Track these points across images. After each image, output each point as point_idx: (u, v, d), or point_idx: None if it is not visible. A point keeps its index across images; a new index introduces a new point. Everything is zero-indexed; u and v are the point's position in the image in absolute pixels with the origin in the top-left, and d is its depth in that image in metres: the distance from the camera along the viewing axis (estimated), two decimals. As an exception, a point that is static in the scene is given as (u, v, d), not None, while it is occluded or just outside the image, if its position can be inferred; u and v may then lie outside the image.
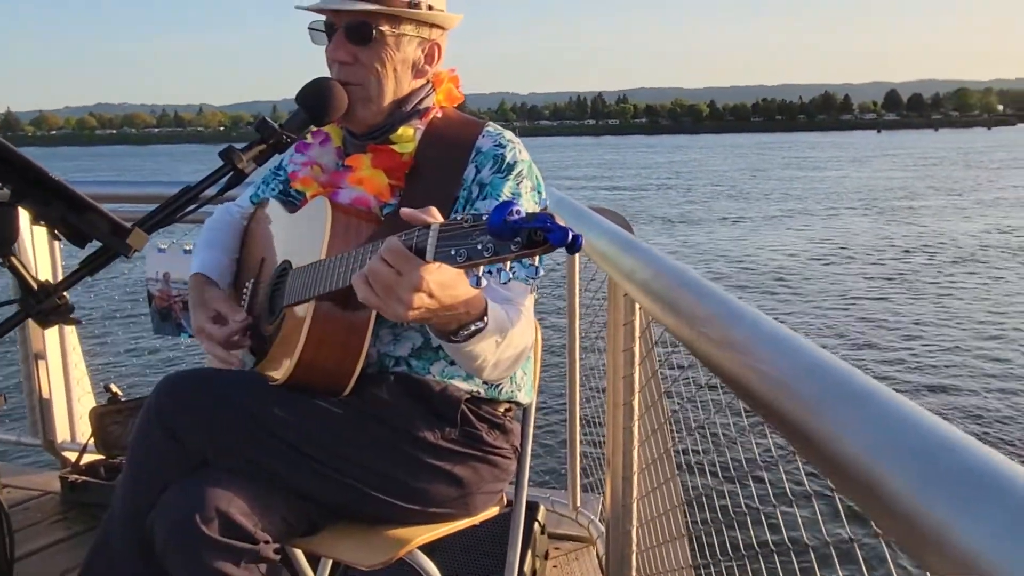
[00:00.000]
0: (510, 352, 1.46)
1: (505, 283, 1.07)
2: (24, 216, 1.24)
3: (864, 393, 0.68)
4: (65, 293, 1.27)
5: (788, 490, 1.25)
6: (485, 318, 1.32)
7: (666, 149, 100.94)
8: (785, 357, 0.81)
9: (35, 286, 1.23)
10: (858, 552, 0.96)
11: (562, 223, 1.00)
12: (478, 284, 1.08)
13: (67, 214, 1.22)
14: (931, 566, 0.53)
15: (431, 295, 1.19)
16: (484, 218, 1.04)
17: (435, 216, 1.17)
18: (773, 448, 1.21)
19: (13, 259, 1.22)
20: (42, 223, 1.23)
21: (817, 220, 24.95)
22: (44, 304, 1.23)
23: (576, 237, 0.99)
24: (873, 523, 0.60)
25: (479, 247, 1.04)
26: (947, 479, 0.54)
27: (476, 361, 1.41)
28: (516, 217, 1.00)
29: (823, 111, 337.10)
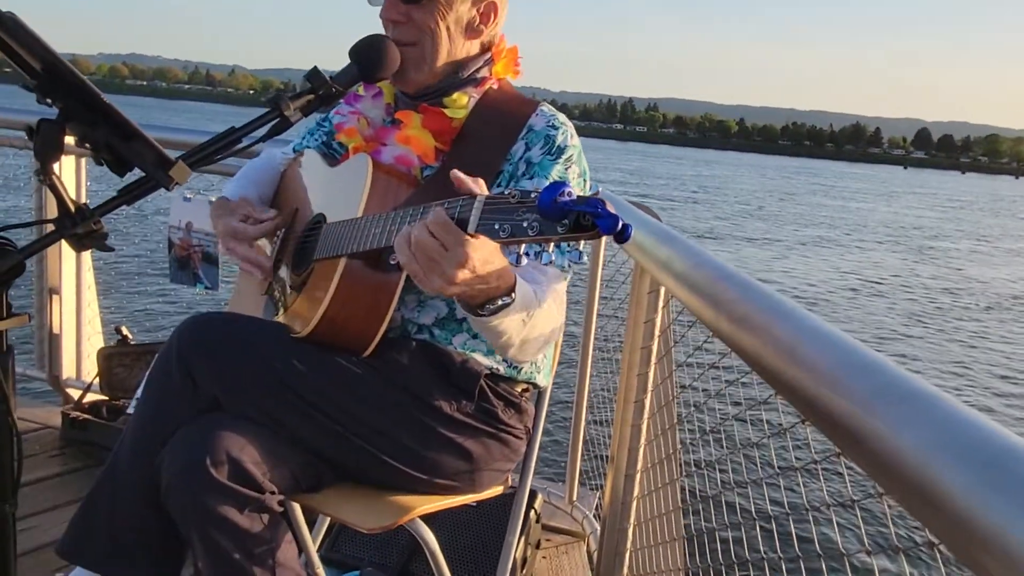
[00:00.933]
0: (536, 333, 1.44)
1: (546, 264, 1.05)
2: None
3: (918, 392, 0.66)
4: (100, 219, 1.26)
5: (805, 498, 1.23)
6: (513, 294, 1.30)
7: (694, 162, 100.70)
8: (834, 354, 0.79)
9: (72, 208, 1.22)
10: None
11: (613, 210, 0.97)
12: (518, 262, 1.06)
13: (113, 139, 1.21)
14: (986, 569, 0.51)
15: (474, 271, 1.17)
16: (533, 195, 1.02)
17: (482, 188, 1.15)
18: (771, 457, 1.19)
19: (54, 177, 1.21)
20: (86, 146, 1.22)
21: (845, 251, 24.87)
22: (80, 227, 1.22)
23: (626, 226, 0.96)
24: (924, 526, 0.58)
25: (524, 224, 1.01)
26: (1007, 481, 0.52)
27: (501, 338, 1.39)
28: (567, 199, 0.97)
29: (852, 141, 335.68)
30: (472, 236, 1.12)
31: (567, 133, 1.61)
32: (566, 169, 1.59)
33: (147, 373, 1.52)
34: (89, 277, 3.47)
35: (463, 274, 1.17)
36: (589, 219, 0.97)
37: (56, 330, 3.39)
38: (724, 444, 1.69)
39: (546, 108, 1.66)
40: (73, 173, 3.24)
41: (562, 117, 1.65)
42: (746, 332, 1.00)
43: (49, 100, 1.18)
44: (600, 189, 0.97)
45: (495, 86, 1.68)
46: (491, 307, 1.30)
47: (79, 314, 3.43)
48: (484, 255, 1.17)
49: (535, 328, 1.43)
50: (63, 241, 1.24)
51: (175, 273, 3.28)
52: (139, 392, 2.95)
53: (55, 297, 3.36)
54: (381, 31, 1.61)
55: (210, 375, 1.45)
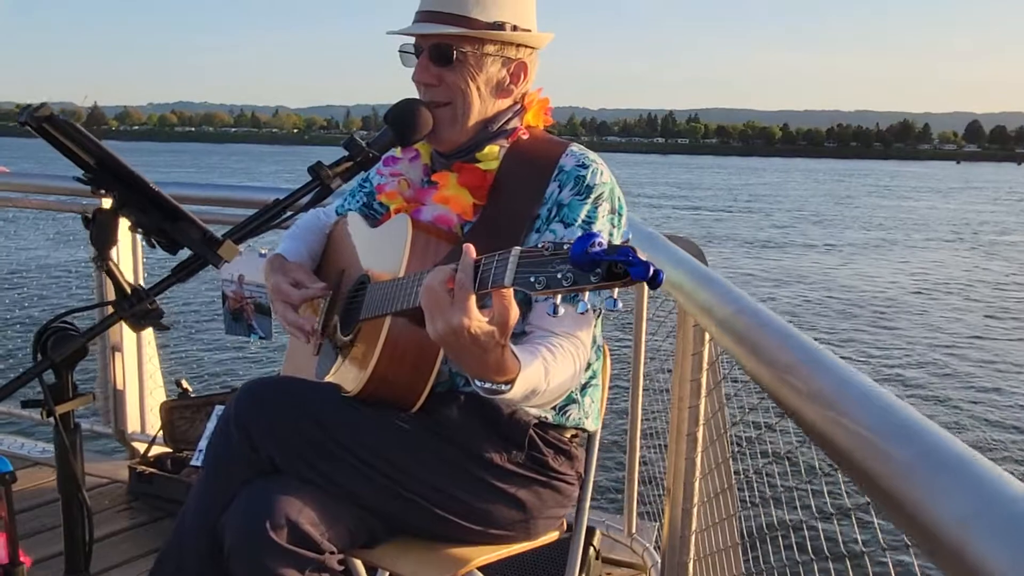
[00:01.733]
0: (545, 399, 1.46)
1: (582, 313, 1.07)
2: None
3: (960, 460, 0.66)
4: (155, 298, 1.31)
5: (859, 540, 1.22)
6: (509, 386, 1.32)
7: (740, 171, 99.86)
8: (876, 414, 0.79)
9: (129, 290, 1.28)
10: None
11: (644, 257, 0.99)
12: (555, 312, 1.08)
13: (164, 223, 1.27)
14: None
15: (460, 336, 1.20)
16: (565, 247, 1.04)
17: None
18: (846, 498, 1.18)
19: (111, 263, 1.27)
20: (140, 231, 1.28)
21: (912, 251, 24.46)
22: (137, 308, 1.27)
23: (657, 272, 0.99)
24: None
25: (559, 276, 1.04)
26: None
27: (506, 403, 1.43)
28: (598, 249, 0.99)
29: (900, 139, 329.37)
30: (504, 289, 1.15)
31: (597, 171, 1.63)
32: (596, 208, 1.60)
33: (208, 439, 1.57)
34: (149, 333, 3.57)
35: (449, 333, 1.21)
36: (622, 267, 0.99)
37: (120, 386, 3.49)
38: (779, 483, 1.68)
39: (576, 148, 1.68)
40: (130, 251, 3.36)
41: (592, 155, 1.66)
42: (786, 384, 1.00)
43: (103, 191, 1.24)
44: (631, 237, 1.00)
45: (525, 135, 1.71)
46: (483, 385, 1.32)
47: (141, 369, 3.53)
48: (480, 328, 1.20)
49: (546, 395, 1.45)
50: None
51: (230, 325, 3.36)
52: (201, 444, 3.03)
53: (117, 354, 3.46)
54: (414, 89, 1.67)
55: (266, 438, 1.49)
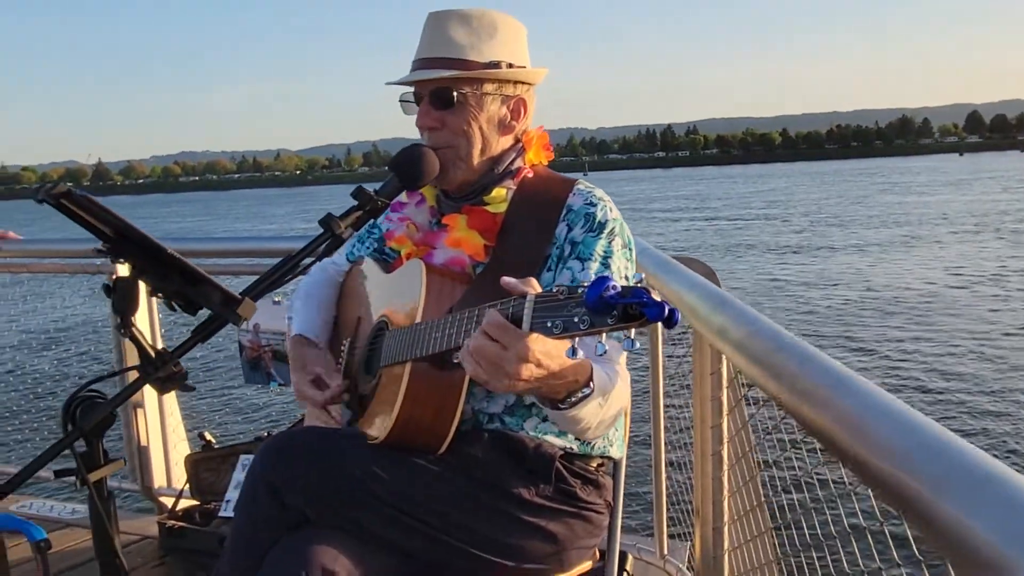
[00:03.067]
0: (611, 412, 1.48)
1: (601, 355, 1.09)
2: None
3: (989, 476, 0.66)
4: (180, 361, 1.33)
5: (896, 557, 1.22)
6: (591, 383, 1.34)
7: (745, 179, 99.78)
8: (903, 433, 0.79)
9: (153, 354, 1.30)
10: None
11: (658, 298, 1.01)
12: (574, 355, 1.10)
13: (183, 287, 1.29)
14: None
15: (539, 364, 1.22)
16: (579, 292, 1.06)
17: (533, 286, 1.19)
18: (877, 512, 1.18)
19: (134, 329, 1.29)
20: (159, 295, 1.30)
21: (939, 246, 24.32)
22: (162, 371, 1.29)
23: (672, 311, 1.00)
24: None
25: (575, 319, 1.06)
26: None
27: (579, 424, 1.43)
28: (612, 292, 1.01)
29: (901, 135, 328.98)
30: (529, 333, 1.17)
31: (605, 208, 1.66)
32: (610, 243, 1.63)
33: (237, 497, 1.58)
34: (169, 388, 3.59)
35: (527, 369, 1.22)
36: (637, 309, 1.01)
37: (144, 443, 3.51)
38: (808, 500, 1.67)
39: (582, 186, 1.71)
40: (146, 312, 3.39)
41: (599, 192, 1.69)
42: (808, 405, 1.01)
43: (121, 260, 1.27)
44: (643, 277, 1.02)
45: (530, 174, 1.74)
46: (572, 399, 1.34)
47: (163, 425, 3.55)
48: (544, 348, 1.21)
49: (610, 408, 1.47)
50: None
51: (248, 374, 3.39)
52: (229, 494, 3.04)
53: (139, 410, 3.49)
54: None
55: (294, 492, 1.50)
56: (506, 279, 1.20)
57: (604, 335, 1.07)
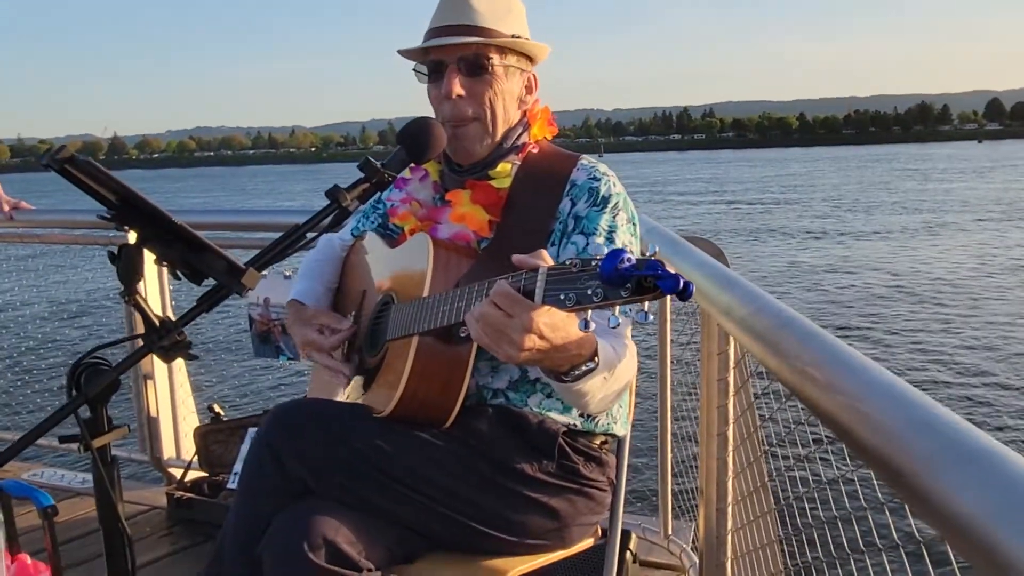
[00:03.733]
0: (616, 387, 1.48)
1: (614, 327, 1.08)
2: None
3: (984, 452, 0.66)
4: (184, 329, 1.34)
5: (895, 537, 1.21)
6: (596, 357, 1.34)
7: (763, 163, 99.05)
8: (898, 409, 0.79)
9: (157, 323, 1.31)
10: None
11: (672, 270, 1.00)
12: (586, 327, 1.10)
13: (187, 255, 1.29)
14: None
15: (542, 336, 1.21)
16: (593, 264, 1.06)
17: (545, 259, 1.19)
18: (879, 492, 1.18)
19: (138, 297, 1.30)
20: (164, 263, 1.30)
21: (965, 233, 24.10)
22: (165, 340, 1.30)
23: (687, 284, 1.00)
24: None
25: (588, 292, 1.05)
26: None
27: (583, 398, 1.43)
28: (627, 264, 1.01)
29: (919, 122, 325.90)
30: (539, 305, 1.16)
31: (609, 182, 1.65)
32: (614, 217, 1.62)
33: (241, 469, 1.59)
34: (179, 360, 3.61)
35: (530, 339, 1.22)
36: (651, 281, 1.00)
37: (153, 413, 3.54)
38: (810, 480, 1.67)
39: (586, 161, 1.70)
40: (157, 283, 3.41)
41: (603, 167, 1.68)
42: (809, 382, 1.01)
43: (126, 227, 1.27)
44: (658, 250, 1.00)
45: (535, 149, 1.73)
46: (575, 372, 1.34)
47: (173, 396, 3.58)
48: (551, 320, 1.21)
49: (616, 382, 1.46)
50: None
51: (258, 347, 3.41)
52: (237, 466, 3.06)
53: (150, 382, 3.51)
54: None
55: (298, 462, 1.51)
56: (518, 256, 1.19)
57: (617, 308, 1.07)
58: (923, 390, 0.82)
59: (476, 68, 1.63)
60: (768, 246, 22.41)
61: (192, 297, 1.38)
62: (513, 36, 1.64)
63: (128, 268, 1.29)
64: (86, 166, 1.15)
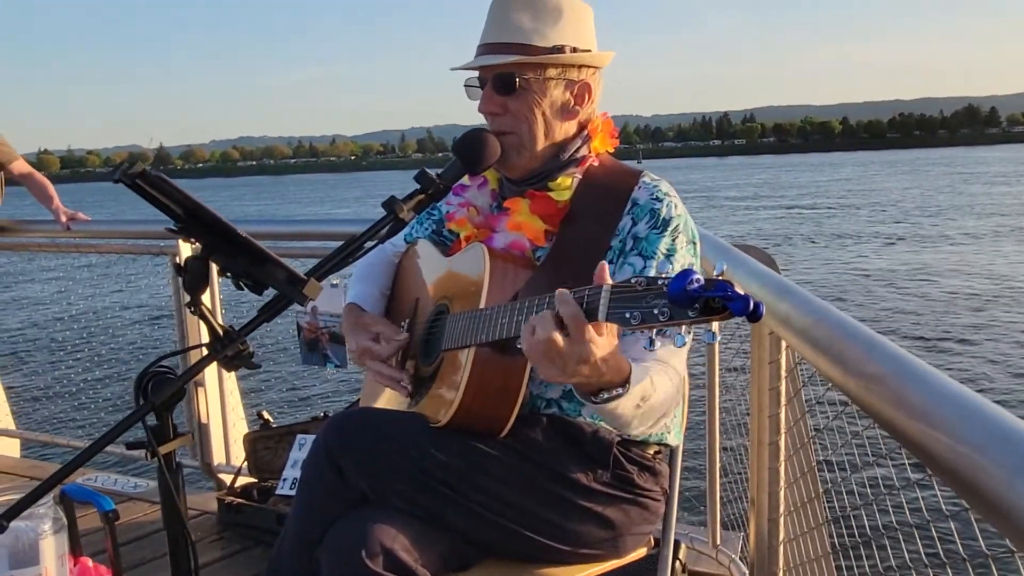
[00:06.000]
0: (652, 413, 1.47)
1: (680, 347, 1.08)
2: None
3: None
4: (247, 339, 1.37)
5: (960, 549, 1.19)
6: (627, 385, 1.33)
7: (812, 167, 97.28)
8: (974, 422, 0.78)
9: (221, 332, 1.34)
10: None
11: (742, 291, 1.00)
12: (651, 346, 1.10)
13: (250, 266, 1.32)
14: None
15: (593, 366, 1.23)
16: (660, 283, 1.06)
17: (606, 278, 1.18)
18: (942, 504, 1.16)
19: (203, 307, 1.33)
20: (228, 274, 1.33)
21: None
22: (230, 349, 1.32)
23: (757, 305, 0.99)
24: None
25: (655, 311, 1.05)
26: None
27: (617, 420, 1.44)
28: (696, 285, 1.01)
29: (966, 125, 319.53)
30: (597, 326, 1.17)
31: (671, 204, 1.64)
32: (674, 240, 1.61)
33: (300, 472, 1.61)
34: (229, 368, 3.67)
35: (583, 369, 1.23)
36: (720, 302, 1.00)
37: (204, 419, 3.60)
38: (868, 492, 1.65)
39: (648, 179, 1.69)
40: (209, 294, 3.47)
41: (665, 187, 1.67)
42: (876, 395, 0.99)
43: (192, 239, 1.30)
44: (725, 268, 1.00)
45: (595, 163, 1.73)
46: (605, 395, 1.34)
47: (223, 403, 3.64)
48: (605, 352, 1.22)
49: (652, 410, 1.46)
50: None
51: (306, 355, 3.45)
52: (286, 472, 3.10)
53: (200, 389, 3.57)
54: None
55: (356, 470, 1.53)
56: (601, 268, 1.20)
57: (683, 328, 1.06)
58: (999, 403, 0.80)
59: (509, 86, 1.64)
60: (845, 253, 21.75)
61: (238, 305, 1.41)
62: (555, 48, 1.64)
63: (195, 279, 1.32)
64: (157, 180, 1.18)
